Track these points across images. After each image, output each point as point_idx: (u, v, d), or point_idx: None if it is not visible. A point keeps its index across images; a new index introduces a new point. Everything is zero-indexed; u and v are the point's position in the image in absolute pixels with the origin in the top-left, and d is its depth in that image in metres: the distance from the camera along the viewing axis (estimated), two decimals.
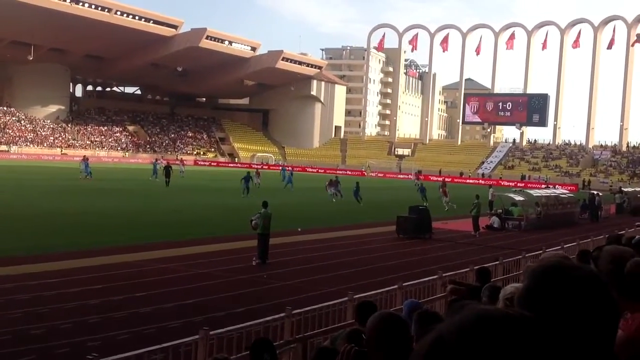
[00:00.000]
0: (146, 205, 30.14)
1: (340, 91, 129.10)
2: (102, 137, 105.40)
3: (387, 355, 2.75)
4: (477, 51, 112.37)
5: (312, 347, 6.94)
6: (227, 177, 45.27)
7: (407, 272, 15.15)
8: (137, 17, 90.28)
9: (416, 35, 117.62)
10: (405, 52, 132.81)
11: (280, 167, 67.79)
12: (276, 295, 12.85)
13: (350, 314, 8.09)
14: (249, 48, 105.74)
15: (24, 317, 10.27)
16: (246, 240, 18.45)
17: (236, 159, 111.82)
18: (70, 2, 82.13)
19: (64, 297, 11.72)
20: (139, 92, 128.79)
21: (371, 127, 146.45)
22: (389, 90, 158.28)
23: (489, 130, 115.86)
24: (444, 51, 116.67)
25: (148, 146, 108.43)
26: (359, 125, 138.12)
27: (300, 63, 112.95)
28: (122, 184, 43.40)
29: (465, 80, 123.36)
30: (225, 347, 6.54)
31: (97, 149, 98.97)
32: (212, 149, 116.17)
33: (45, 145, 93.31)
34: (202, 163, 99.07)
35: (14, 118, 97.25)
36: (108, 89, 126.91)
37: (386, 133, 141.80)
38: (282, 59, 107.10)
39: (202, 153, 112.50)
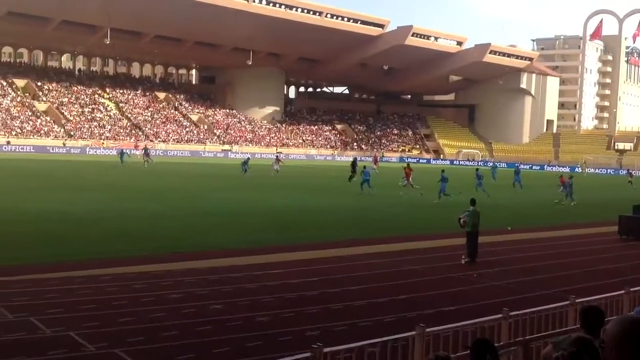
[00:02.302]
0: (345, 201, 30.98)
1: (552, 83, 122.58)
2: (313, 135, 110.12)
3: None
4: None
5: (534, 352, 6.73)
6: (427, 174, 44.84)
7: (633, 276, 14.05)
8: (345, 19, 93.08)
9: None
10: (626, 38, 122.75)
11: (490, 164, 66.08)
12: (487, 295, 12.59)
13: (572, 319, 7.70)
14: (455, 43, 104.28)
15: (251, 305, 11.10)
16: (453, 238, 18.28)
17: (441, 155, 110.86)
18: (285, 9, 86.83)
19: (286, 288, 12.48)
20: (346, 91, 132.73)
21: (587, 120, 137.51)
22: (608, 80, 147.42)
23: None
24: None
25: (355, 144, 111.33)
26: (574, 119, 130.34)
27: (508, 55, 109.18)
28: (318, 180, 44.84)
29: None
30: (441, 345, 6.57)
31: (308, 147, 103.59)
32: (417, 146, 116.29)
33: (262, 144, 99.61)
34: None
35: (235, 119, 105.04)
36: (318, 90, 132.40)
37: (604, 126, 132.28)
38: (490, 52, 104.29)
39: (407, 150, 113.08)
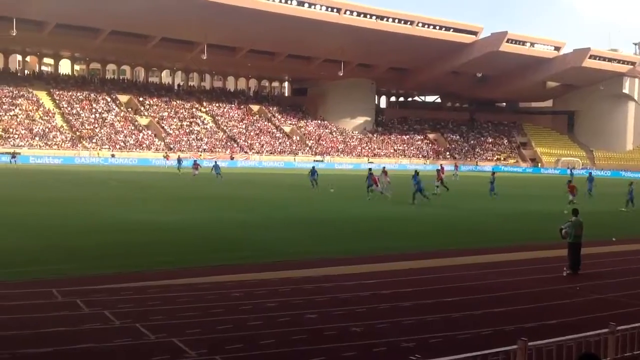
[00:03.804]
0: (437, 211, 30.53)
1: None
2: (405, 145, 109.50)
3: None
4: None
5: None
6: (522, 183, 43.66)
7: None
8: (437, 27, 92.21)
9: None
10: None
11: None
12: (590, 308, 12.10)
13: None
14: (552, 48, 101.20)
15: (345, 315, 11.14)
16: (554, 250, 17.68)
17: (539, 164, 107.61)
18: (375, 19, 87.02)
19: (380, 298, 12.44)
20: (438, 100, 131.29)
21: None
22: None
23: None
24: None
25: (448, 153, 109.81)
26: None
27: (609, 60, 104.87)
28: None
29: None
30: (544, 359, 6.37)
31: (400, 157, 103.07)
32: (513, 155, 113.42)
33: (353, 155, 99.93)
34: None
35: (327, 130, 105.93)
36: (409, 99, 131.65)
37: None
38: (590, 57, 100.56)
39: (502, 159, 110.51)
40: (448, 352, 7.28)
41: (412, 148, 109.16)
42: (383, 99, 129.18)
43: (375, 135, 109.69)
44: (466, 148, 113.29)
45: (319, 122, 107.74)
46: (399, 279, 14.37)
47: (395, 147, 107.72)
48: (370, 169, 38.05)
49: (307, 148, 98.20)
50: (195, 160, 54.29)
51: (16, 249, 16.44)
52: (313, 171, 43.80)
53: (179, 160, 62.35)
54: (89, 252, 16.38)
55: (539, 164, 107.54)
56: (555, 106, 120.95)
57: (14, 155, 68.72)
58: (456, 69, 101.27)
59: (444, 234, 22.50)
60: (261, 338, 9.56)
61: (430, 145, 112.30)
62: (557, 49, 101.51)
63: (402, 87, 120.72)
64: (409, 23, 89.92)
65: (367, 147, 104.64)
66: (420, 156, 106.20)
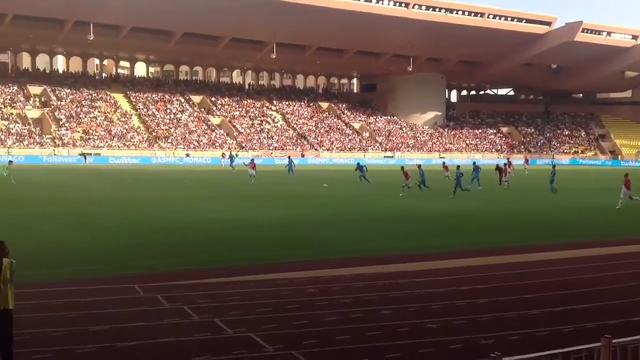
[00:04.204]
0: (515, 206, 29.87)
1: None
2: (477, 140, 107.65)
3: None
4: None
5: None
6: (597, 177, 42.23)
7: None
8: (509, 19, 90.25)
9: None
10: None
11: None
12: None
13: None
14: (630, 37, 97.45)
15: (420, 312, 11.08)
16: (632, 245, 17.07)
17: (619, 156, 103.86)
18: (445, 12, 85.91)
19: (455, 295, 12.31)
20: (511, 93, 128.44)
21: None
22: None
23: None
24: None
25: (522, 147, 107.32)
26: None
27: None
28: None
29: None
30: (630, 358, 6.17)
31: (472, 152, 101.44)
32: (592, 147, 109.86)
33: (424, 150, 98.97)
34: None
35: (396, 126, 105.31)
36: (481, 92, 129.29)
37: None
38: None
39: (579, 152, 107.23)
40: (528, 350, 7.16)
41: (484, 142, 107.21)
42: (454, 93, 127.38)
43: (446, 130, 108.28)
44: (542, 141, 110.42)
45: (389, 117, 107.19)
46: (474, 276, 14.17)
47: (467, 142, 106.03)
48: (419, 165, 37.82)
49: (377, 144, 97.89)
50: (252, 159, 48.12)
51: (100, 247, 17.09)
52: (359, 167, 43.34)
53: (232, 157, 63.43)
54: (168, 249, 16.87)
55: (619, 156, 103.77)
56: (635, 96, 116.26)
57: (84, 155, 71.45)
58: (529, 61, 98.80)
59: (517, 229, 22.01)
60: (337, 334, 9.63)
61: (504, 139, 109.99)
62: (635, 37, 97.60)
63: (473, 81, 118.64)
64: (479, 15, 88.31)
65: (438, 142, 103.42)
66: (493, 150, 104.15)
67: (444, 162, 45.89)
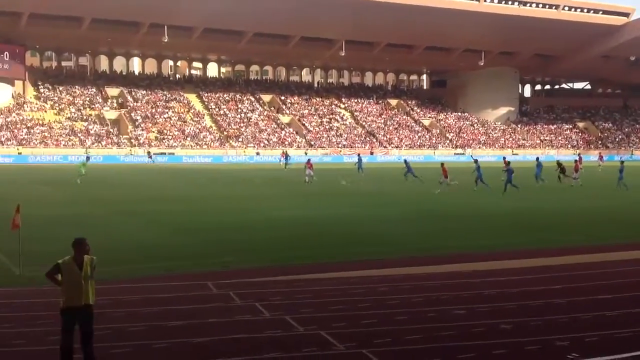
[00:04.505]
0: (585, 203, 28.91)
1: None
2: (552, 135, 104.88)
3: None
4: None
5: None
6: None
7: None
8: (585, 10, 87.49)
9: None
10: None
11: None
12: None
13: None
14: None
15: (493, 312, 10.88)
16: None
17: None
18: (518, 5, 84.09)
19: (529, 295, 12.03)
20: (588, 86, 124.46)
21: None
22: None
23: None
24: None
25: (600, 142, 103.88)
26: None
27: None
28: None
29: None
30: None
31: (547, 147, 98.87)
32: None
33: (496, 146, 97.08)
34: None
35: (467, 122, 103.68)
36: (556, 87, 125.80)
37: None
38: None
39: None
40: (606, 352, 6.94)
41: (560, 138, 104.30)
42: (527, 88, 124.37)
43: (519, 126, 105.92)
44: (620, 136, 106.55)
45: (459, 114, 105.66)
46: (548, 275, 13.81)
47: (541, 138, 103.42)
48: (476, 160, 37.01)
49: (447, 141, 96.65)
50: (309, 159, 45.19)
51: (175, 244, 17.53)
52: (407, 166, 42.27)
53: (287, 156, 63.42)
54: (240, 246, 17.15)
55: None
56: None
57: (150, 154, 73.29)
58: (607, 53, 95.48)
59: (589, 227, 21.29)
60: (408, 333, 9.56)
61: (580, 134, 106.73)
62: None
63: (547, 75, 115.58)
64: (554, 7, 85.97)
65: (510, 139, 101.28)
66: (569, 146, 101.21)
67: (504, 158, 44.87)
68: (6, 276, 13.18)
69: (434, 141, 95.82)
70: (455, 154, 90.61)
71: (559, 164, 41.11)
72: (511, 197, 31.10)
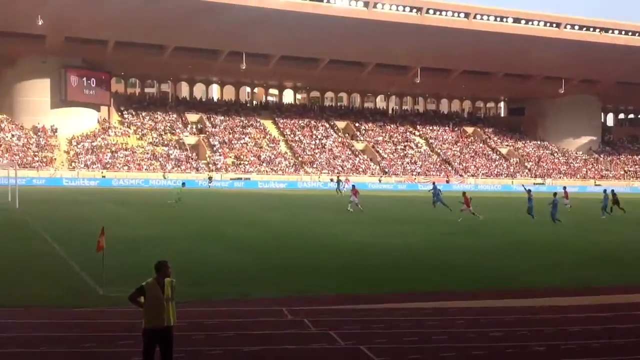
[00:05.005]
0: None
1: None
2: (637, 166, 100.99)
3: None
4: None
5: None
6: None
7: None
8: None
9: None
10: None
11: None
12: None
13: None
14: None
15: (574, 350, 10.47)
16: None
17: None
18: (599, 32, 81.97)
19: (614, 333, 11.52)
20: None
21: None
22: None
23: None
24: None
25: None
26: None
27: None
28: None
29: None
30: None
31: (631, 179, 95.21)
32: None
33: (577, 177, 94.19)
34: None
35: (547, 151, 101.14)
36: None
37: None
38: None
39: None
40: None
41: None
42: (610, 117, 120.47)
43: (602, 156, 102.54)
44: None
45: (538, 142, 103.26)
46: (633, 313, 13.21)
47: (625, 169, 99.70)
48: (529, 190, 35.99)
49: (526, 170, 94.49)
50: (353, 185, 44.93)
51: (251, 268, 17.71)
52: (435, 189, 41.72)
53: (339, 181, 63.08)
54: (315, 271, 17.16)
55: None
56: None
57: (210, 178, 74.37)
58: None
59: None
60: None
61: None
62: None
63: (632, 103, 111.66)
64: (637, 34, 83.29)
65: (592, 169, 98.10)
66: None
67: (564, 188, 43.49)
68: (90, 297, 13.62)
69: (511, 170, 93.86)
70: (534, 183, 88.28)
71: (614, 195, 39.42)
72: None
